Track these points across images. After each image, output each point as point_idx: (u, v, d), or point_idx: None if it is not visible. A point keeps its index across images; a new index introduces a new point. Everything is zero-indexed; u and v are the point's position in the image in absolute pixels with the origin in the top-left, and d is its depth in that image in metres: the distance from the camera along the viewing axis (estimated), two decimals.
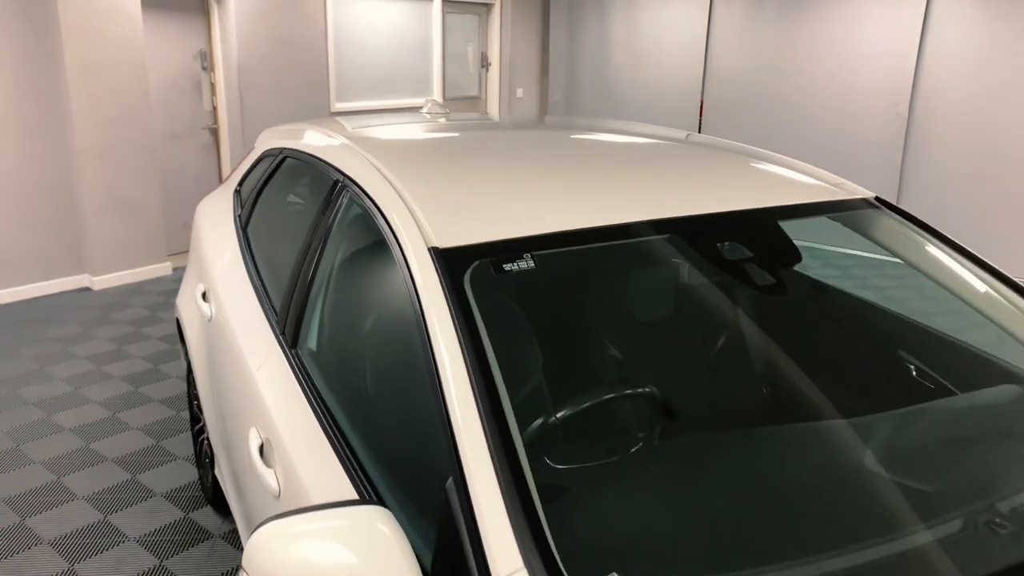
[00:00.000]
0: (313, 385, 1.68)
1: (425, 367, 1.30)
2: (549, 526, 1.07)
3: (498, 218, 1.55)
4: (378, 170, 1.79)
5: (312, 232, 1.98)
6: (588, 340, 1.72)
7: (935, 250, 1.88)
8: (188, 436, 3.51)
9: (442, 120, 2.54)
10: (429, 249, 1.46)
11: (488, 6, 8.14)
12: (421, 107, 2.83)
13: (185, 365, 3.10)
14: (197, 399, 2.84)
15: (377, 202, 1.67)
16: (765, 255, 1.72)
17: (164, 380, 4.07)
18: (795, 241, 1.83)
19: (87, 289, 5.50)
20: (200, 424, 2.91)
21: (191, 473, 3.21)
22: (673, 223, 1.62)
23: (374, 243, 1.69)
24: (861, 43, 6.51)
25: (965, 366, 1.93)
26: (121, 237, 5.55)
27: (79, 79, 5.14)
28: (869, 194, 2.02)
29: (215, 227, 2.78)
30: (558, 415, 1.44)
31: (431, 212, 1.56)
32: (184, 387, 3.99)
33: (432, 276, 1.40)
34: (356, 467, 1.41)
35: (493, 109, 8.39)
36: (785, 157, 2.19)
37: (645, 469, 1.42)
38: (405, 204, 1.60)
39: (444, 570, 1.13)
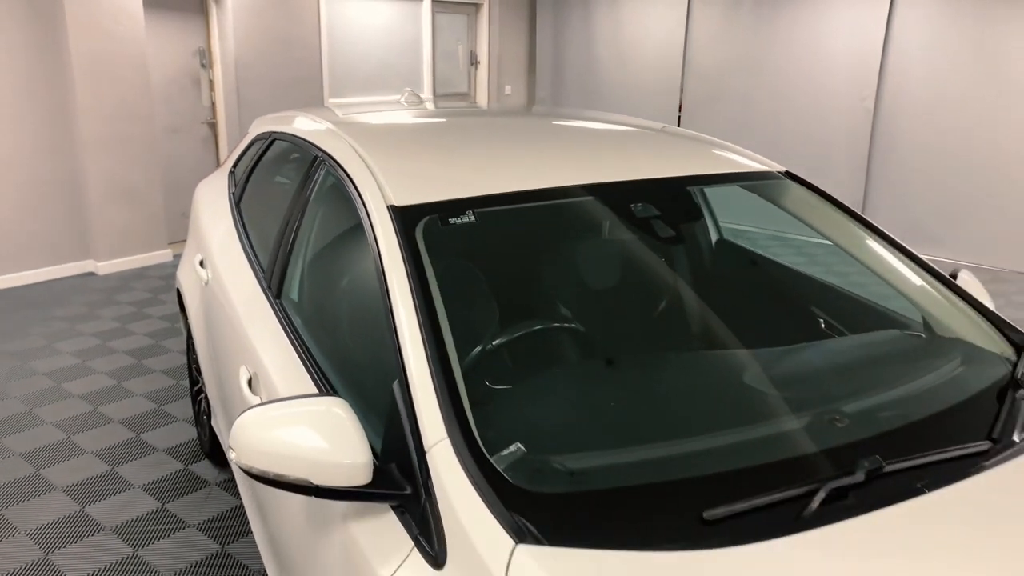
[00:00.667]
0: (292, 326, 1.99)
1: (382, 301, 1.60)
2: (473, 416, 1.37)
3: (447, 183, 1.86)
4: (351, 147, 2.09)
5: (294, 201, 2.28)
6: (525, 283, 2.01)
7: (838, 216, 2.18)
8: (188, 401, 3.81)
9: (416, 108, 2.84)
10: (388, 207, 1.76)
11: (476, 6, 8.44)
12: (400, 97, 3.13)
13: (185, 334, 3.40)
14: (196, 363, 3.13)
15: (348, 171, 1.97)
16: (680, 214, 2.02)
17: (165, 354, 4.37)
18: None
19: (92, 274, 5.80)
20: (198, 386, 3.21)
21: (190, 432, 3.51)
22: (598, 187, 1.92)
23: (345, 206, 1.99)
24: (830, 41, 6.82)
25: (861, 316, 2.24)
26: (124, 225, 5.85)
27: (85, 75, 5.43)
28: (780, 168, 2.32)
29: (212, 204, 3.09)
30: (493, 342, 1.73)
31: (391, 178, 1.86)
32: (184, 360, 4.28)
33: (389, 228, 1.70)
34: (325, 382, 1.71)
35: (482, 105, 8.68)
36: (718, 140, 2.48)
37: (561, 380, 1.71)
38: (371, 172, 1.90)
39: (390, 445, 1.43)
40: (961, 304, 1.98)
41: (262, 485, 1.99)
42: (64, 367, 4.17)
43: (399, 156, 2.02)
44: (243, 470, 1.38)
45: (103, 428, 3.54)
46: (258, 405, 1.41)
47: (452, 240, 1.81)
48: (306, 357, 1.84)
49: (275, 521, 1.87)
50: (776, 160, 7.35)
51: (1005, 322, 1.95)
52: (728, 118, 7.57)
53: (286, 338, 1.96)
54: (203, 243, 2.90)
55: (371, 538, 1.38)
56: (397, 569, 1.30)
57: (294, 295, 2.12)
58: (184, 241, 6.41)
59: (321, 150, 2.22)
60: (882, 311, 2.13)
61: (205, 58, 6.52)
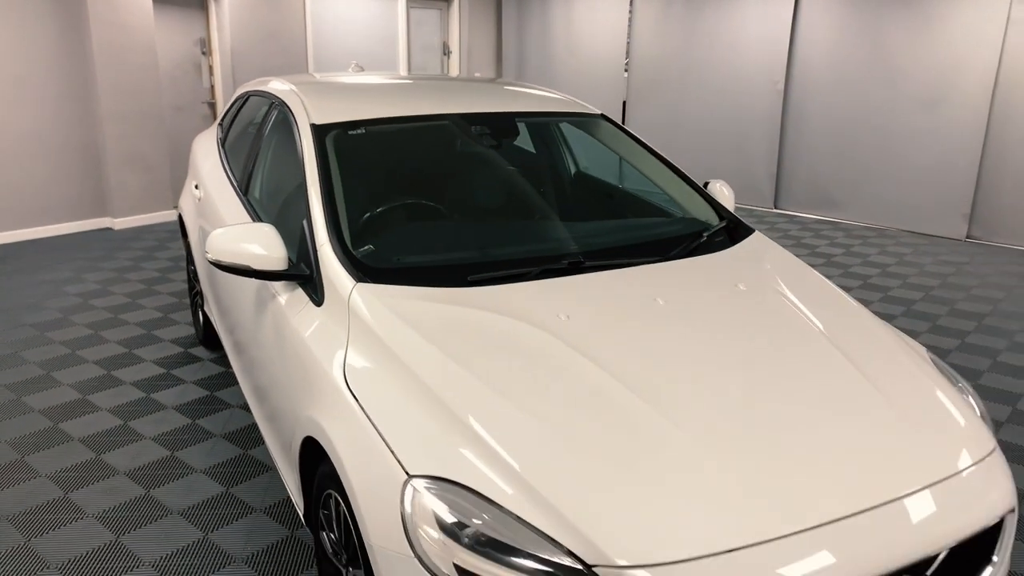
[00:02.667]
0: (250, 203, 3.02)
1: (303, 177, 2.62)
2: (349, 232, 2.38)
3: (350, 111, 2.87)
4: (295, 92, 3.11)
5: (258, 131, 3.31)
6: (407, 174, 3.00)
7: (636, 146, 3.19)
8: (188, 314, 4.83)
9: (357, 75, 3.85)
10: (310, 124, 2.77)
11: (447, 1, 9.44)
12: (348, 69, 4.14)
13: (185, 253, 4.42)
14: (194, 272, 4.14)
15: (290, 106, 2.99)
16: (510, 134, 3.07)
17: (171, 283, 5.40)
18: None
19: (109, 229, 6.84)
20: (196, 290, 4.23)
21: (188, 330, 4.54)
22: (452, 116, 2.94)
23: (287, 128, 3.01)
24: (746, 33, 7.82)
25: (639, 205, 3.24)
26: (136, 188, 6.89)
27: (103, 60, 6.46)
28: (597, 111, 3.33)
29: (204, 145, 4.12)
30: (377, 210, 2.74)
31: (316, 109, 2.87)
32: (184, 286, 5.30)
33: (310, 136, 2.72)
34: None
35: None
36: (565, 96, 3.49)
37: (407, 216, 2.71)
38: (303, 106, 2.92)
39: (299, 252, 2.44)
40: (699, 199, 3.00)
41: (233, 322, 3.02)
42: (89, 291, 5.20)
43: (324, 97, 3.04)
44: (212, 263, 2.40)
45: (120, 328, 4.56)
46: (223, 227, 2.43)
47: (351, 144, 2.83)
48: (254, 213, 2.87)
49: (235, 320, 2.90)
50: (703, 137, 8.35)
51: (724, 208, 2.98)
52: (665, 103, 8.58)
53: (244, 211, 3.00)
54: (197, 174, 3.93)
55: (287, 301, 2.40)
56: (299, 312, 2.32)
57: (255, 188, 3.15)
58: None
59: (276, 96, 3.24)
60: (655, 204, 3.14)
61: (205, 47, 7.55)
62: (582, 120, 3.30)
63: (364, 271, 2.26)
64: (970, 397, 2.21)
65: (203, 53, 7.54)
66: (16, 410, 3.57)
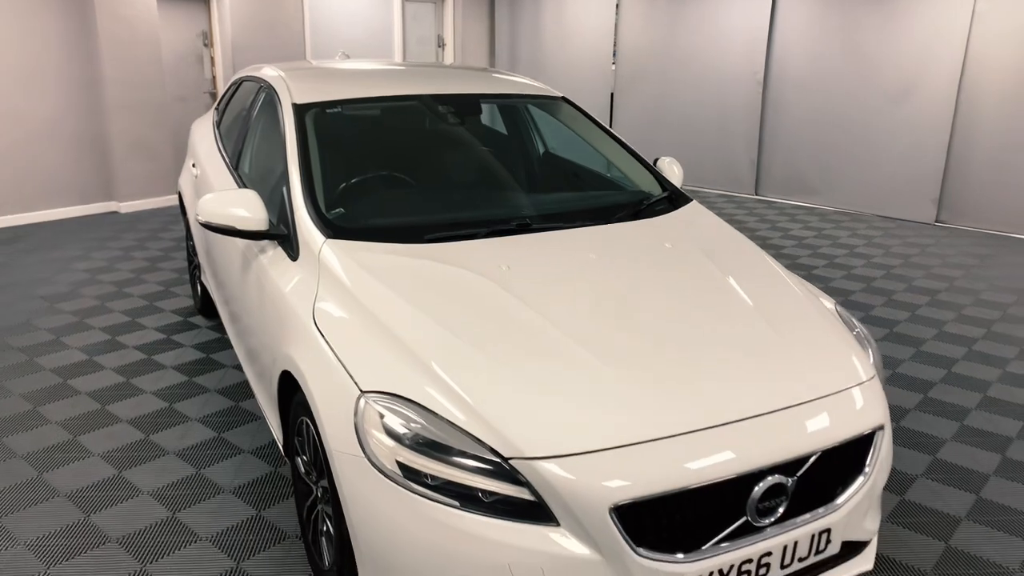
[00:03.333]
0: (241, 178, 3.34)
1: (283, 151, 2.93)
2: (324, 199, 2.70)
3: (328, 93, 3.18)
4: (281, 77, 3.42)
5: (248, 112, 3.63)
6: (378, 148, 3.31)
7: (593, 127, 3.50)
8: (188, 288, 5.16)
9: (344, 63, 4.16)
10: (291, 104, 3.09)
11: None
12: (336, 57, 4.45)
13: (185, 231, 4.74)
14: (193, 247, 4.47)
15: (276, 89, 3.31)
16: (473, 111, 3.39)
17: (173, 261, 5.73)
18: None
19: (115, 212, 7.18)
20: (194, 263, 4.55)
21: (188, 302, 4.87)
22: (421, 96, 3.25)
23: (273, 109, 3.32)
24: (727, 26, 8.11)
25: (594, 179, 3.54)
26: (141, 174, 7.22)
27: (110, 52, 6.80)
28: (559, 94, 3.64)
29: (201, 128, 4.45)
30: (348, 178, 3.05)
31: (298, 91, 3.19)
32: (185, 263, 5.63)
33: (291, 114, 3.03)
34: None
35: None
36: (530, 80, 3.79)
37: (380, 186, 3.02)
38: (287, 88, 3.24)
39: (279, 215, 2.76)
40: (646, 174, 3.31)
41: (225, 285, 3.35)
42: (97, 268, 5.54)
43: (307, 80, 3.36)
44: (203, 224, 2.72)
45: (125, 300, 4.90)
46: (211, 192, 2.75)
47: (328, 120, 3.14)
48: (243, 184, 3.20)
49: (226, 282, 3.23)
50: (688, 127, 8.65)
51: (667, 181, 3.29)
52: (650, 94, 8.87)
53: (232, 180, 3.33)
54: (195, 154, 4.25)
55: (268, 258, 2.73)
56: (277, 267, 2.64)
57: (245, 162, 3.47)
58: None
59: (265, 80, 3.56)
60: (606, 177, 3.45)
61: (207, 39, 7.87)
62: (545, 102, 3.61)
63: (334, 230, 2.58)
64: (866, 341, 2.52)
65: (205, 45, 7.87)
66: (29, 369, 3.90)
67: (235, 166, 3.54)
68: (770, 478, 1.94)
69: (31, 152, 6.66)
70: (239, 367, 3.95)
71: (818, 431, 2.04)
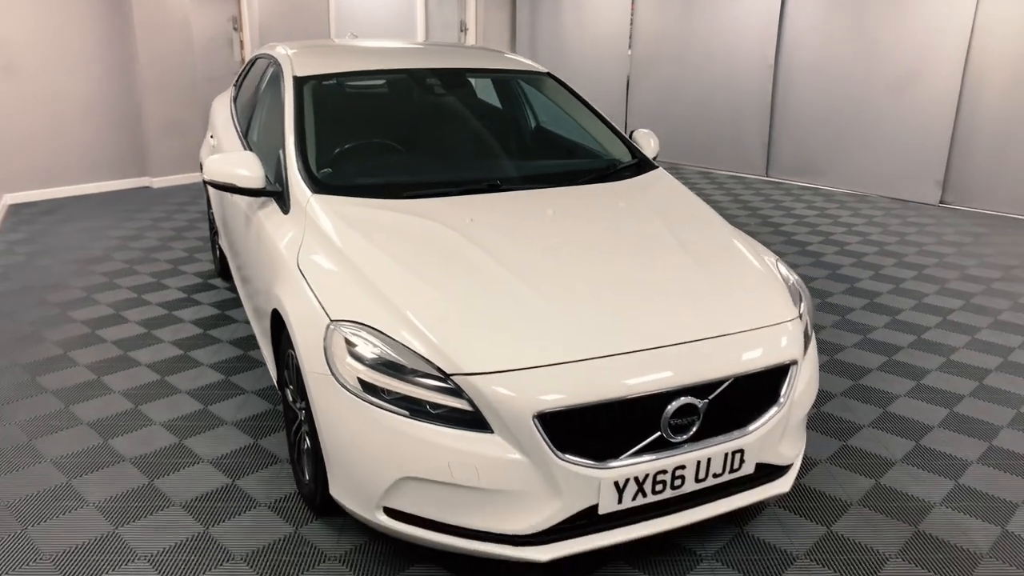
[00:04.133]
0: (249, 145, 3.67)
1: (281, 121, 3.24)
2: (316, 162, 3.00)
3: (327, 66, 3.49)
4: (287, 54, 3.74)
5: (257, 86, 3.96)
6: (367, 115, 3.61)
7: (575, 101, 3.76)
8: (210, 255, 5.53)
9: (353, 42, 4.47)
10: (292, 76, 3.40)
11: None
12: (347, 36, 4.76)
13: (206, 200, 5.10)
14: (212, 214, 4.82)
15: (281, 63, 3.63)
16: (461, 84, 3.68)
17: (198, 231, 6.12)
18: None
19: (147, 187, 7.61)
20: (214, 230, 4.91)
21: (209, 266, 5.24)
22: (412, 70, 3.54)
23: (278, 82, 3.64)
24: (740, 12, 8.26)
25: (575, 149, 3.80)
26: (172, 151, 7.63)
27: (144, 35, 7.20)
28: (544, 70, 3.91)
29: (220, 103, 4.80)
30: (338, 142, 3.35)
31: (300, 65, 3.50)
32: (208, 232, 6.01)
33: (291, 86, 3.35)
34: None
35: None
36: (518, 56, 4.06)
37: (370, 153, 3.32)
38: (291, 62, 3.55)
39: (275, 174, 3.08)
40: (620, 144, 3.57)
41: (234, 244, 3.68)
42: (129, 235, 5.94)
43: (309, 56, 3.67)
44: (208, 183, 3.04)
45: (152, 263, 5.29)
46: (215, 155, 3.07)
47: (324, 91, 3.45)
48: (248, 148, 3.53)
49: (233, 239, 3.57)
50: (701, 110, 8.83)
51: (639, 151, 3.54)
52: (665, 77, 9.06)
53: (241, 145, 3.66)
54: (213, 126, 4.60)
55: (264, 213, 3.05)
56: (272, 220, 2.96)
57: (253, 131, 3.80)
58: None
59: (272, 57, 3.89)
60: (582, 146, 3.71)
61: (236, 23, 8.25)
62: (531, 77, 3.88)
63: (320, 186, 2.89)
64: (800, 290, 2.76)
65: (234, 29, 8.24)
66: (62, 320, 4.30)
67: (245, 134, 3.87)
68: (682, 399, 2.20)
69: (70, 130, 7.10)
70: (249, 322, 4.30)
71: (730, 360, 2.29)
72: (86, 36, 7.01)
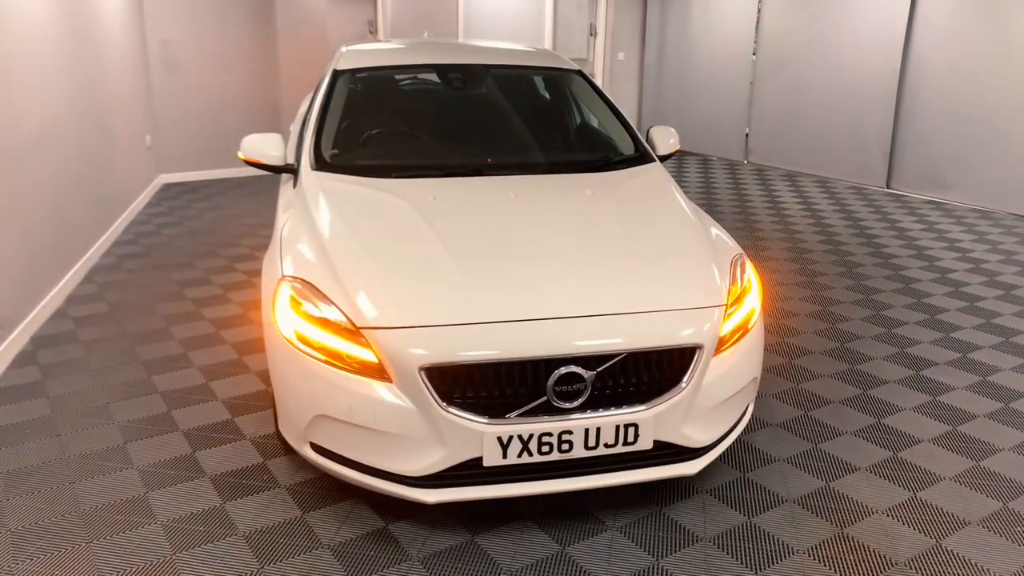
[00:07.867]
0: (301, 131, 4.14)
1: (312, 106, 3.66)
2: (327, 147, 3.39)
3: (365, 61, 3.88)
4: (341, 52, 4.16)
5: (320, 83, 4.44)
6: (390, 106, 3.93)
7: (597, 98, 3.93)
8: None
9: (421, 40, 4.87)
10: (333, 70, 3.82)
11: None
12: (424, 36, 5.16)
13: None
14: None
15: (334, 58, 4.06)
16: (480, 79, 3.95)
17: None
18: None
19: None
20: None
21: None
22: (447, 65, 3.87)
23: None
24: (866, 17, 7.91)
25: (592, 137, 3.93)
26: None
27: (285, 37, 8.01)
28: (576, 67, 4.09)
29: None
30: (355, 127, 3.70)
31: (344, 60, 3.91)
32: None
33: (328, 79, 3.76)
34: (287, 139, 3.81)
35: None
36: (555, 53, 4.26)
37: (385, 141, 3.65)
38: (339, 58, 3.97)
39: (296, 154, 3.49)
40: (629, 140, 3.70)
41: None
42: (260, 223, 6.68)
43: (358, 53, 4.07)
44: (243, 160, 3.50)
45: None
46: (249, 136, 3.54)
47: (355, 84, 3.83)
48: (299, 136, 3.99)
49: None
50: (822, 116, 8.51)
51: (645, 147, 3.65)
52: (790, 77, 8.80)
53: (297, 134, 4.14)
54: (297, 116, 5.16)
55: (284, 188, 3.47)
56: (286, 192, 3.37)
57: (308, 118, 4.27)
58: None
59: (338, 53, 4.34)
60: (592, 140, 3.85)
61: (372, 26, 8.94)
62: (561, 74, 4.07)
63: (321, 164, 3.27)
64: (751, 280, 2.80)
65: (371, 32, 8.94)
66: (176, 296, 4.99)
67: (304, 122, 4.35)
68: (567, 368, 2.35)
69: (219, 120, 8.04)
70: None
71: (622, 337, 2.41)
72: (237, 35, 7.91)
